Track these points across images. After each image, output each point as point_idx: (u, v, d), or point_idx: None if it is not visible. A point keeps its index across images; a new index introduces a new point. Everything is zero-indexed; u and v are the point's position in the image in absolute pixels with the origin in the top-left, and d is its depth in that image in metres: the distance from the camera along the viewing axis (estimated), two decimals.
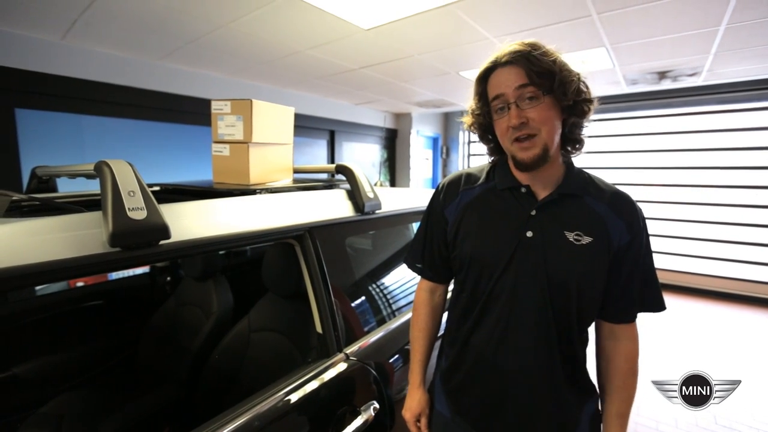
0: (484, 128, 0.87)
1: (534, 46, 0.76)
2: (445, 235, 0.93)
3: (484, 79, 0.82)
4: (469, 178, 0.93)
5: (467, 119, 0.90)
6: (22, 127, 2.40)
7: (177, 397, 1.45)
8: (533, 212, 0.80)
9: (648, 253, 0.81)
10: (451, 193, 0.93)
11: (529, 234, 0.79)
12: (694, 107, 4.35)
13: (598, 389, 0.88)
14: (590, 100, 0.79)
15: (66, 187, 1.40)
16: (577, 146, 0.83)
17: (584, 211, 0.80)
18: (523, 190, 0.83)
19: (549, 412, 0.81)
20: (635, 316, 0.83)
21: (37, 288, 2.22)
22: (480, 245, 0.85)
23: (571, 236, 0.78)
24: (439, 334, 1.03)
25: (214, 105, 1.25)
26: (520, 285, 0.80)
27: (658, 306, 0.83)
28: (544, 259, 0.78)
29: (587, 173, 0.86)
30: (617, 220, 0.79)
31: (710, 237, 4.35)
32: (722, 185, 4.31)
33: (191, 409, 1.40)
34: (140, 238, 0.73)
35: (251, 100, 1.17)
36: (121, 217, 0.71)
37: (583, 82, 0.78)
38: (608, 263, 0.78)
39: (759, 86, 3.84)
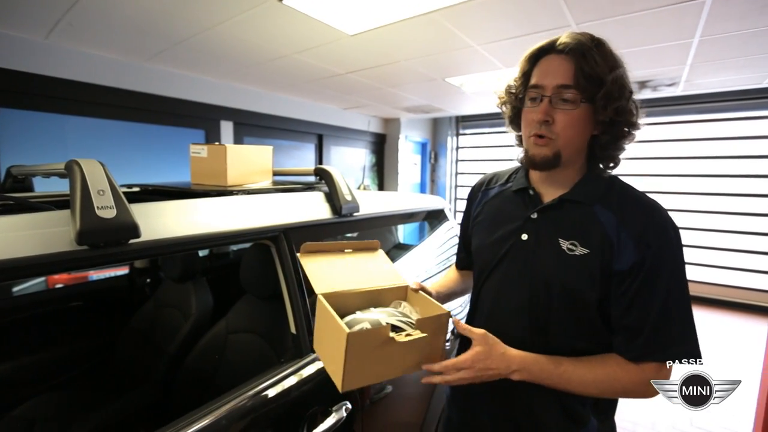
0: (516, 111, 0.82)
1: (599, 44, 0.71)
2: (467, 229, 0.99)
3: (534, 59, 0.77)
4: (493, 179, 0.96)
5: (501, 96, 0.85)
6: (3, 127, 2.37)
7: (153, 398, 1.44)
8: (534, 215, 0.79)
9: (672, 281, 0.68)
10: (475, 192, 0.99)
11: (524, 237, 0.79)
12: (674, 116, 4.47)
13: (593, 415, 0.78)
14: (632, 124, 0.73)
15: (45, 188, 1.39)
16: (611, 165, 0.77)
17: (587, 220, 0.74)
18: (531, 192, 0.82)
19: (522, 427, 0.78)
20: (639, 357, 0.69)
21: (15, 288, 2.18)
22: (482, 243, 0.88)
23: (565, 244, 0.74)
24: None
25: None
26: (505, 286, 0.81)
27: (683, 353, 0.67)
28: (532, 263, 0.77)
29: (614, 180, 0.78)
30: (624, 232, 0.70)
31: (693, 243, 4.45)
32: (704, 193, 4.42)
33: (167, 411, 1.39)
34: (109, 237, 0.73)
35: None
36: (89, 215, 0.71)
37: (634, 103, 0.73)
38: (605, 278, 0.71)
39: (736, 97, 3.97)
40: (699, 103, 4.22)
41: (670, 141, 4.56)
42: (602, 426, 0.79)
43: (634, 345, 0.69)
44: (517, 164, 0.89)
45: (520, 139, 0.85)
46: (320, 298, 0.77)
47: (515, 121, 0.84)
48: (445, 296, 1.03)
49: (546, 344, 0.75)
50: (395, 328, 0.71)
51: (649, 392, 0.70)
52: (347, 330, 0.64)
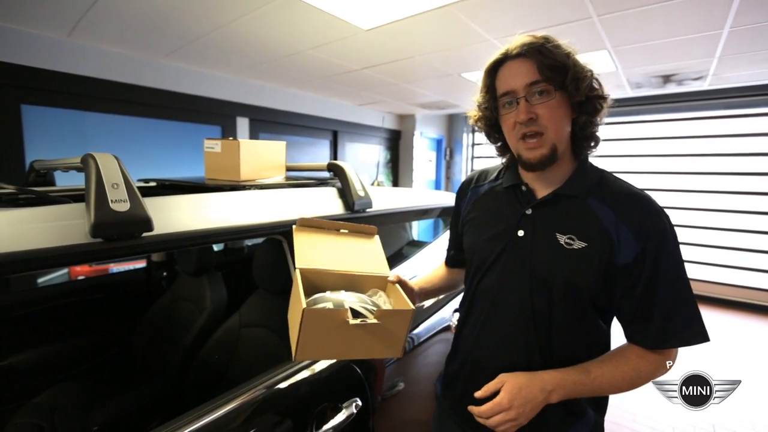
0: (491, 124, 0.85)
1: (547, 39, 0.73)
2: (458, 227, 1.00)
3: (493, 71, 0.79)
4: (481, 176, 0.97)
5: (473, 113, 0.88)
6: (27, 123, 2.44)
7: (167, 390, 1.47)
8: (528, 211, 0.80)
9: (673, 269, 0.71)
10: (464, 189, 0.99)
11: (521, 233, 0.79)
12: (700, 112, 4.31)
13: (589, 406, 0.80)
14: (603, 97, 0.76)
15: (67, 182, 1.42)
16: (592, 144, 0.80)
17: (583, 214, 0.75)
18: (524, 188, 0.83)
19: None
20: (657, 344, 0.72)
21: (40, 279, 2.26)
22: (476, 240, 0.88)
23: (562, 239, 0.74)
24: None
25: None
26: (504, 282, 0.80)
27: (695, 337, 0.70)
28: (530, 259, 0.77)
29: (603, 173, 0.80)
30: (622, 226, 0.71)
31: (714, 243, 4.29)
32: (727, 191, 4.26)
33: (181, 403, 1.41)
34: (122, 230, 0.74)
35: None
36: (104, 208, 0.72)
37: (596, 79, 0.76)
38: (607, 273, 0.72)
39: (765, 91, 3.79)
40: (727, 98, 4.05)
41: (695, 138, 4.39)
42: (598, 418, 0.80)
43: (648, 333, 0.72)
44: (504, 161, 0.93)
45: (500, 149, 0.89)
46: (297, 272, 0.79)
47: (492, 134, 0.88)
48: (430, 292, 1.03)
49: (549, 341, 0.76)
50: (356, 313, 0.72)
51: (665, 371, 0.75)
52: (304, 305, 0.66)
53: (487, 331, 0.82)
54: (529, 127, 0.74)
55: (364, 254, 0.92)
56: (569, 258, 0.73)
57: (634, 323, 0.73)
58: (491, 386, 0.73)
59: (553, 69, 0.71)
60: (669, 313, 0.70)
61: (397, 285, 0.85)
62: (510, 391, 0.70)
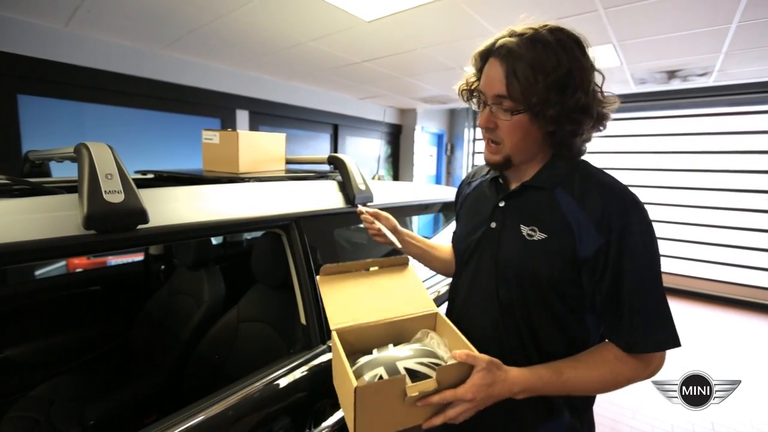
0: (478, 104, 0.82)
1: (535, 43, 0.66)
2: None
3: (484, 57, 0.75)
4: (477, 171, 0.97)
5: (462, 87, 0.83)
6: (24, 114, 2.41)
7: (165, 384, 1.45)
8: (501, 203, 0.80)
9: (639, 265, 0.66)
10: (462, 185, 1.00)
11: (493, 225, 0.80)
12: (705, 108, 4.27)
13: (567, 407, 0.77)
14: (582, 119, 0.68)
15: (64, 173, 1.39)
16: (573, 154, 0.74)
17: (548, 205, 0.72)
18: (501, 180, 0.84)
19: (495, 416, 0.76)
20: (629, 346, 0.67)
21: (37, 272, 2.24)
22: (460, 233, 0.91)
23: (525, 230, 0.74)
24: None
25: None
26: (477, 274, 0.81)
27: (666, 341, 0.66)
28: (498, 251, 0.77)
29: (580, 164, 0.75)
30: (583, 215, 0.68)
31: (718, 242, 4.27)
32: (732, 189, 4.23)
33: (178, 397, 1.40)
34: (116, 222, 0.72)
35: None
36: (97, 199, 0.70)
37: (587, 94, 0.68)
38: (571, 266, 0.69)
39: None
40: (731, 95, 4.01)
41: (699, 135, 4.36)
42: (575, 422, 0.77)
43: (620, 331, 0.68)
44: None
45: None
46: (333, 335, 0.72)
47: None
48: (426, 255, 1.01)
49: (519, 335, 0.75)
50: (413, 373, 0.65)
51: (645, 377, 0.70)
52: (355, 383, 0.58)
53: (464, 323, 0.81)
54: (488, 134, 0.75)
55: (403, 291, 0.85)
56: (529, 250, 0.72)
57: (607, 319, 0.70)
58: (476, 359, 0.65)
59: (522, 87, 0.66)
60: (637, 312, 0.66)
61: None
62: (477, 386, 0.64)
